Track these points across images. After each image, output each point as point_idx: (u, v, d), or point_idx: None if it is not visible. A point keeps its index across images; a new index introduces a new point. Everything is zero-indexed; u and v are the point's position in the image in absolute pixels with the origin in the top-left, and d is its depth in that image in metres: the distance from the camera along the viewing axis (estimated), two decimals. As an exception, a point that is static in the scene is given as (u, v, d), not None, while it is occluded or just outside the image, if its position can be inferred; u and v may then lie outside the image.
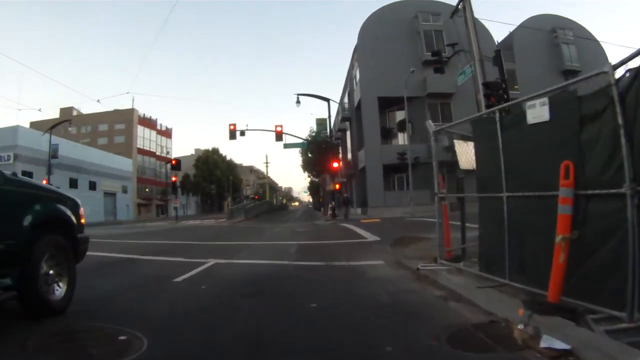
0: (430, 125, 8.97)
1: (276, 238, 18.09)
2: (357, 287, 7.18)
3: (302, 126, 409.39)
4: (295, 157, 73.71)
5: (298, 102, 39.46)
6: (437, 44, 39.71)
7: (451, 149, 28.58)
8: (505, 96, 14.57)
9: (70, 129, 78.70)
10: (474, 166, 7.37)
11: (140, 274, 9.18)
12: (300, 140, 42.23)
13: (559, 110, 4.82)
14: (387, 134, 42.88)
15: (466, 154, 8.68)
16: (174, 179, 48.30)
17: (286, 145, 40.36)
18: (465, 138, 8.53)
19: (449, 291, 6.17)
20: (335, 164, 37.41)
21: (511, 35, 45.81)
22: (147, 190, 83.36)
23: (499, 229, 5.87)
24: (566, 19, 47.92)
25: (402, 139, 42.45)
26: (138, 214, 78.64)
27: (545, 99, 4.96)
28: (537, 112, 5.02)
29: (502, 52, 38.18)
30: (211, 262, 10.18)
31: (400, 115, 41.89)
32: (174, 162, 47.61)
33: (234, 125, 39.00)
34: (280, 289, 7.20)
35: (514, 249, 5.61)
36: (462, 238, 8.79)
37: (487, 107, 13.35)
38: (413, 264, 8.49)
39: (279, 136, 38.28)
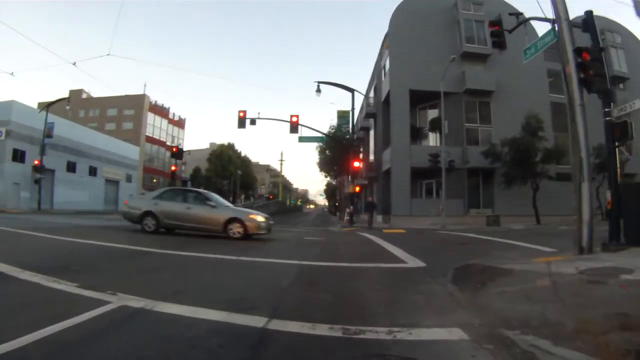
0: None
1: (272, 252, 12.83)
2: None
3: (322, 122, 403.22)
4: (313, 158, 68.95)
5: (318, 90, 34.83)
6: (478, 35, 35.61)
7: (491, 154, 23.68)
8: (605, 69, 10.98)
9: (80, 112, 76.75)
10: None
11: None
12: (318, 134, 37.44)
13: None
14: (416, 134, 38.09)
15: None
16: (173, 168, 43.91)
17: (302, 139, 35.65)
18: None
19: None
20: (356, 163, 32.74)
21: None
22: (154, 180, 79.54)
23: None
24: (615, 22, 43.80)
25: (433, 139, 38.22)
26: (143, 205, 73.80)
27: None
28: None
29: (546, 51, 34.46)
30: (113, 304, 5.23)
31: (432, 113, 38.07)
32: (174, 149, 43.55)
33: (244, 112, 34.67)
34: None
35: None
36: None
37: (584, 82, 10.66)
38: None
39: (294, 127, 33.66)
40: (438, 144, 35.39)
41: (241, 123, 34.54)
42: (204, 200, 16.96)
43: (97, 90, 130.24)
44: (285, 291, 6.84)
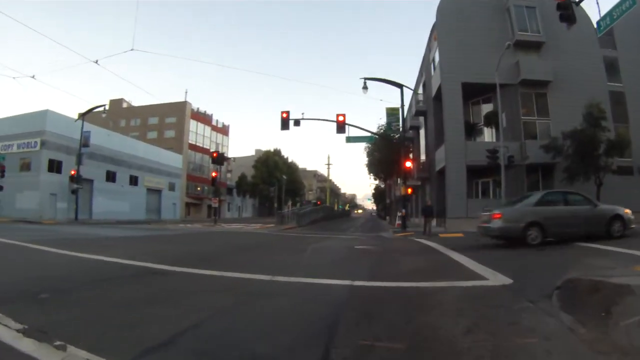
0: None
1: (314, 266, 11.16)
2: None
3: (370, 121, 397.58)
4: (361, 161, 67.29)
5: (365, 87, 33.12)
6: (530, 23, 33.73)
7: (553, 148, 21.41)
8: None
9: (121, 121, 77.10)
10: None
11: None
12: (367, 134, 35.66)
13: None
14: (470, 130, 35.92)
15: None
16: (214, 174, 43.20)
17: (349, 139, 33.96)
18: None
19: None
20: (408, 163, 31.04)
21: None
22: (198, 189, 79.09)
23: None
24: None
25: (488, 135, 35.90)
26: (187, 213, 75.56)
27: None
28: None
29: (601, 38, 32.22)
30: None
31: (485, 108, 35.81)
32: (214, 154, 42.94)
33: (287, 112, 33.20)
34: None
35: None
36: None
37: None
38: None
39: (340, 127, 32.04)
40: (494, 140, 33.34)
41: (284, 124, 33.14)
42: (584, 200, 16.01)
43: (139, 99, 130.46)
44: (331, 334, 4.72)
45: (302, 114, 34.39)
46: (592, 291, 6.29)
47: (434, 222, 30.82)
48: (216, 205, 46.81)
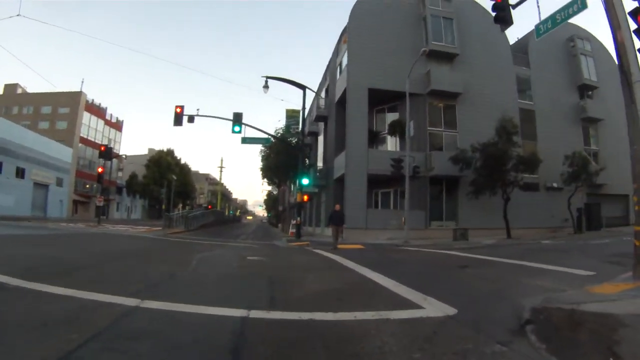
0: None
1: (199, 284, 8.59)
2: None
3: (270, 124, 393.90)
4: (255, 166, 64.77)
5: (266, 86, 30.83)
6: (446, 34, 32.96)
7: (462, 160, 19.82)
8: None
9: (14, 108, 72.11)
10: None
11: None
12: (264, 135, 33.21)
13: None
14: (373, 139, 34.63)
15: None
16: (100, 169, 39.53)
17: (245, 140, 31.40)
18: None
19: None
20: (307, 164, 29.00)
21: (526, 38, 39.66)
22: (87, 186, 74.34)
23: None
24: (584, 29, 42.73)
25: (391, 144, 34.71)
26: (74, 212, 70.72)
27: None
28: None
29: (516, 55, 31.69)
30: None
31: (390, 117, 34.63)
32: (102, 148, 39.20)
33: (181, 107, 30.33)
34: None
35: None
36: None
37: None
38: None
39: (236, 123, 29.72)
40: (398, 149, 32.07)
41: (177, 119, 30.20)
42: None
43: (34, 84, 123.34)
44: None
45: (197, 110, 32.17)
46: (574, 325, 4.88)
47: (326, 231, 28.92)
48: (101, 204, 42.83)
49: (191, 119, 30.74)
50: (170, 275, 9.35)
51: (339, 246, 20.98)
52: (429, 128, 32.46)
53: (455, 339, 4.73)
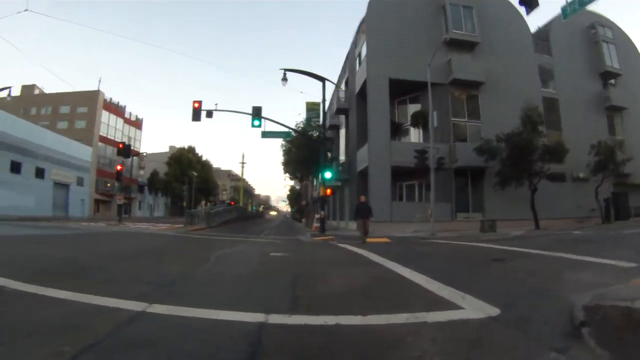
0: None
1: (214, 284, 7.98)
2: None
3: (289, 118, 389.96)
4: (277, 161, 63.90)
5: (285, 79, 30.70)
6: (466, 22, 32.51)
7: (487, 150, 19.32)
8: None
9: (32, 109, 72.23)
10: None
11: None
12: (284, 129, 32.77)
13: None
14: (395, 131, 33.91)
15: None
16: (119, 167, 39.36)
17: (265, 134, 31.02)
18: None
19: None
20: (329, 158, 28.57)
21: (548, 26, 38.89)
22: (108, 185, 74.33)
23: None
24: (604, 17, 41.98)
25: (414, 136, 34.07)
26: (96, 211, 70.80)
27: None
28: None
29: (537, 43, 31.08)
30: None
31: (412, 108, 33.98)
32: (120, 145, 39.14)
33: (199, 102, 30.21)
34: None
35: None
36: None
37: None
38: None
39: (256, 117, 29.41)
40: (420, 141, 31.59)
41: (196, 115, 30.11)
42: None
43: (51, 84, 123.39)
44: None
45: (216, 104, 31.79)
46: (630, 323, 4.15)
47: (352, 224, 28.55)
48: (121, 202, 42.69)
49: (209, 114, 30.84)
50: (184, 274, 8.76)
51: (368, 240, 20.32)
52: (452, 119, 31.85)
53: (503, 346, 4.23)
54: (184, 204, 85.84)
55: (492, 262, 11.32)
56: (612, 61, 39.65)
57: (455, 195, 30.92)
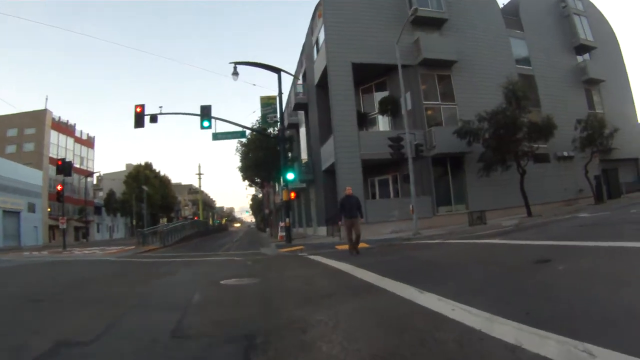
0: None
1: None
2: None
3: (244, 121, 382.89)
4: (236, 165, 60.00)
5: (235, 73, 27.58)
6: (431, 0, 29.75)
7: (469, 133, 16.03)
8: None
9: None
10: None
11: None
12: (238, 128, 29.35)
13: None
14: (361, 122, 30.73)
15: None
16: (59, 187, 35.90)
17: (216, 136, 27.70)
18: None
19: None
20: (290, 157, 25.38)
21: (516, 1, 36.98)
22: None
23: None
24: None
25: (383, 124, 31.34)
26: (51, 237, 66.63)
27: None
28: None
29: (507, 19, 28.45)
30: None
31: (379, 96, 31.16)
32: (59, 162, 36.90)
33: (141, 106, 27.16)
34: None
35: None
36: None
37: None
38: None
39: (205, 118, 26.33)
40: (391, 129, 28.58)
41: (139, 120, 27.10)
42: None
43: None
44: None
45: (160, 107, 28.64)
46: None
47: (320, 230, 25.78)
48: (63, 226, 38.89)
49: (153, 118, 27.71)
50: (60, 345, 5.15)
51: (338, 247, 17.48)
52: (424, 102, 29.00)
53: None
54: (141, 222, 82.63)
55: (539, 267, 7.67)
56: (585, 34, 38.04)
57: (435, 187, 28.05)
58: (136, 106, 27.17)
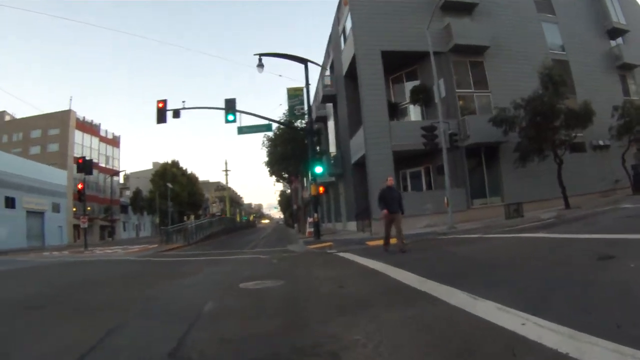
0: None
1: None
2: None
3: (270, 113, 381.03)
4: (263, 161, 59.13)
5: (260, 65, 26.75)
6: None
7: (505, 121, 14.97)
8: None
9: (3, 137, 70.07)
10: None
11: None
12: (263, 121, 28.59)
13: None
14: (392, 112, 29.65)
15: None
16: (80, 186, 35.70)
17: (241, 130, 27.14)
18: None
19: None
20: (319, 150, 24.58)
21: None
22: (88, 208, 70.30)
23: None
24: None
25: (415, 114, 30.13)
26: (76, 237, 66.59)
27: None
28: None
29: (538, 2, 27.23)
30: None
31: (410, 85, 30.16)
32: (79, 160, 36.98)
33: (163, 102, 26.91)
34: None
35: None
36: None
37: None
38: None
39: (230, 112, 25.82)
40: (422, 119, 27.71)
41: (161, 116, 26.83)
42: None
43: (24, 110, 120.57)
44: None
45: (183, 102, 27.88)
46: None
47: (349, 225, 24.76)
48: (85, 225, 38.88)
49: (176, 113, 27.59)
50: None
51: (369, 243, 16.90)
52: (457, 90, 27.94)
53: None
54: (168, 221, 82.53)
55: (606, 265, 6.76)
56: (618, 17, 36.12)
57: (469, 179, 27.09)
58: (158, 101, 26.95)
